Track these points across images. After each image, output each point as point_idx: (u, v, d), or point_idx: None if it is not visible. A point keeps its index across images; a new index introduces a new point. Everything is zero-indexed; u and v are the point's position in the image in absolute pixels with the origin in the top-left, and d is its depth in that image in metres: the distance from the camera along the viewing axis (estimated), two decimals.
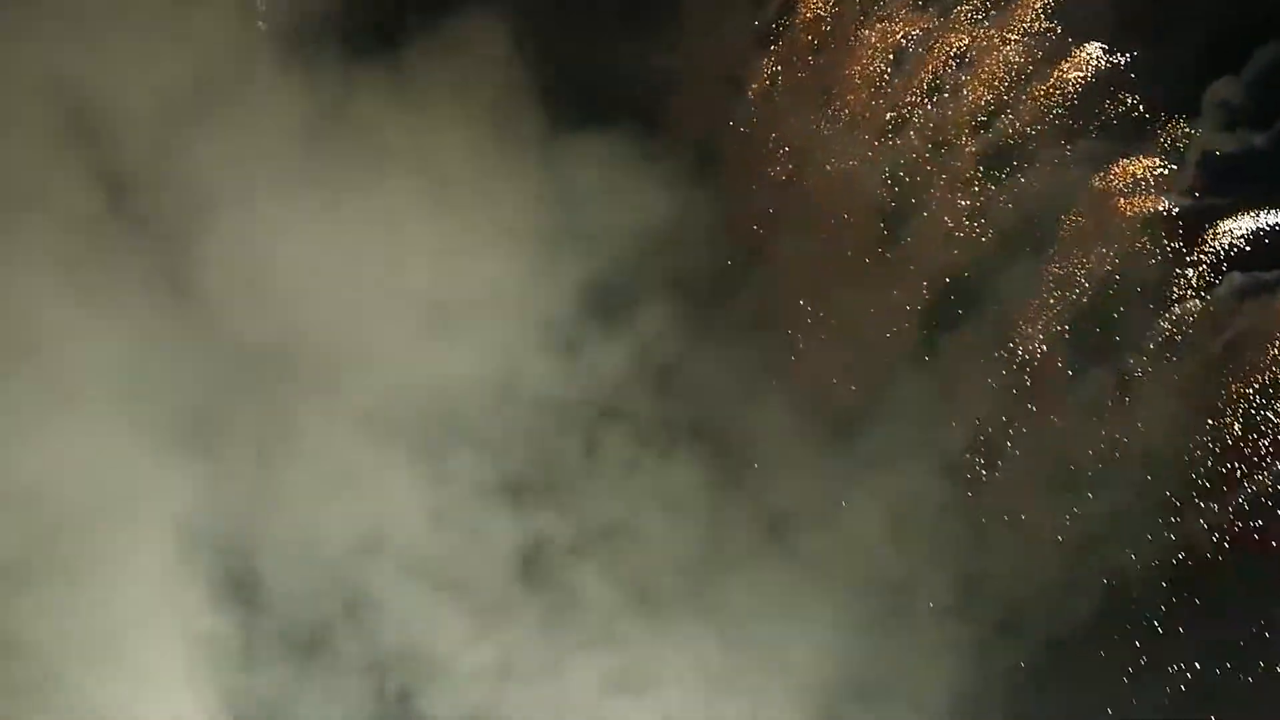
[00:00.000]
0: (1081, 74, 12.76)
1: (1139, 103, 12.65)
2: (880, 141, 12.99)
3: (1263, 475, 11.88)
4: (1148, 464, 12.12)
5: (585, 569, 12.01)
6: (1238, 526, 11.84)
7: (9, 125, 10.70)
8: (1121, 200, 12.56)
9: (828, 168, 12.97)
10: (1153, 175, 12.58)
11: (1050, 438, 12.39)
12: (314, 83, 11.69)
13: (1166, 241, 12.46)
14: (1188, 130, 12.63)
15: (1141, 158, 12.63)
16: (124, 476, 10.64)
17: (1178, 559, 11.93)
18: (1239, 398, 12.03)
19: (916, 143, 12.93)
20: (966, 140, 12.88)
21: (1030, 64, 12.87)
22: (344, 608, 11.52)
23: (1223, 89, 12.83)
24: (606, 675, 11.81)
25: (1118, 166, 12.61)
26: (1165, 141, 12.63)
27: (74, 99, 10.93)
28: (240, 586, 11.19)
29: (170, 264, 11.21)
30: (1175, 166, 12.56)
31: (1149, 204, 12.53)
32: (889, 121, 13.00)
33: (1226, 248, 12.32)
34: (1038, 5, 12.85)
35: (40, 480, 10.29)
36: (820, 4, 13.12)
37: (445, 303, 11.88)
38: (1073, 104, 12.74)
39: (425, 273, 11.87)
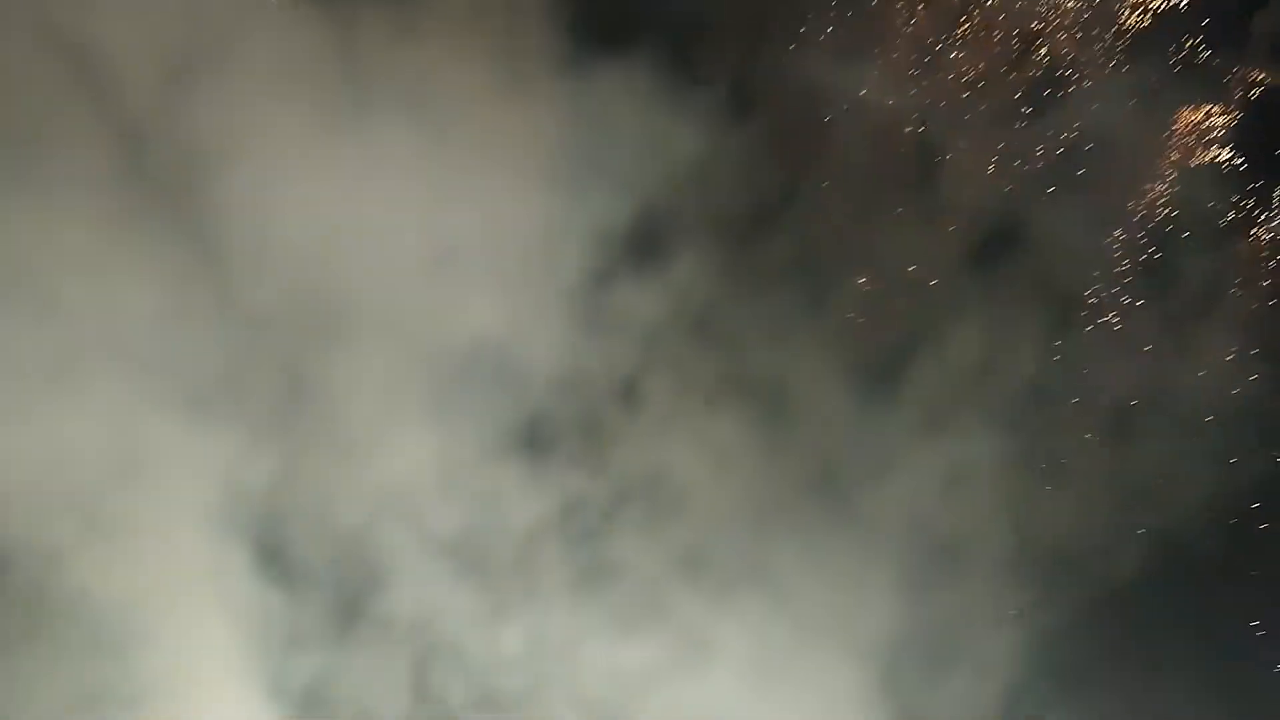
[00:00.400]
0: (1138, 12, 12.27)
1: (1198, 42, 12.17)
2: (920, 80, 12.45)
3: None
4: (1204, 408, 11.85)
5: (624, 534, 11.64)
6: None
7: (11, 79, 10.03)
8: (1177, 143, 12.18)
9: (866, 106, 12.42)
10: (1210, 119, 12.18)
11: (1100, 383, 12.07)
12: (328, 23, 11.04)
13: (1221, 181, 12.11)
14: (1239, 68, 12.21)
15: (1199, 102, 12.21)
16: (150, 442, 10.20)
17: (1236, 507, 11.70)
18: None
19: (961, 82, 12.42)
20: (1012, 81, 12.37)
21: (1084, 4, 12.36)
22: (375, 581, 11.05)
23: (1268, 20, 12.39)
24: (656, 648, 11.46)
25: (1171, 107, 12.21)
26: (1222, 82, 12.19)
27: (78, 51, 10.21)
28: (273, 556, 10.71)
29: (181, 219, 10.61)
30: (1233, 109, 12.16)
31: (1207, 152, 12.15)
32: (929, 60, 12.45)
33: None
34: None
35: (62, 450, 9.84)
36: None
37: (468, 249, 11.30)
38: (1128, 45, 12.26)
39: (448, 218, 11.25)
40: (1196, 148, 12.22)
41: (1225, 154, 12.18)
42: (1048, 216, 12.31)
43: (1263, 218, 12.08)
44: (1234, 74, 12.30)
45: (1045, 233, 12.27)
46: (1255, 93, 12.26)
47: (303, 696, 10.77)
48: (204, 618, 10.24)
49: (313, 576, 10.90)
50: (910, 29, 12.43)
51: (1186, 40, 12.25)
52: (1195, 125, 12.23)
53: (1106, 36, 12.31)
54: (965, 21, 12.40)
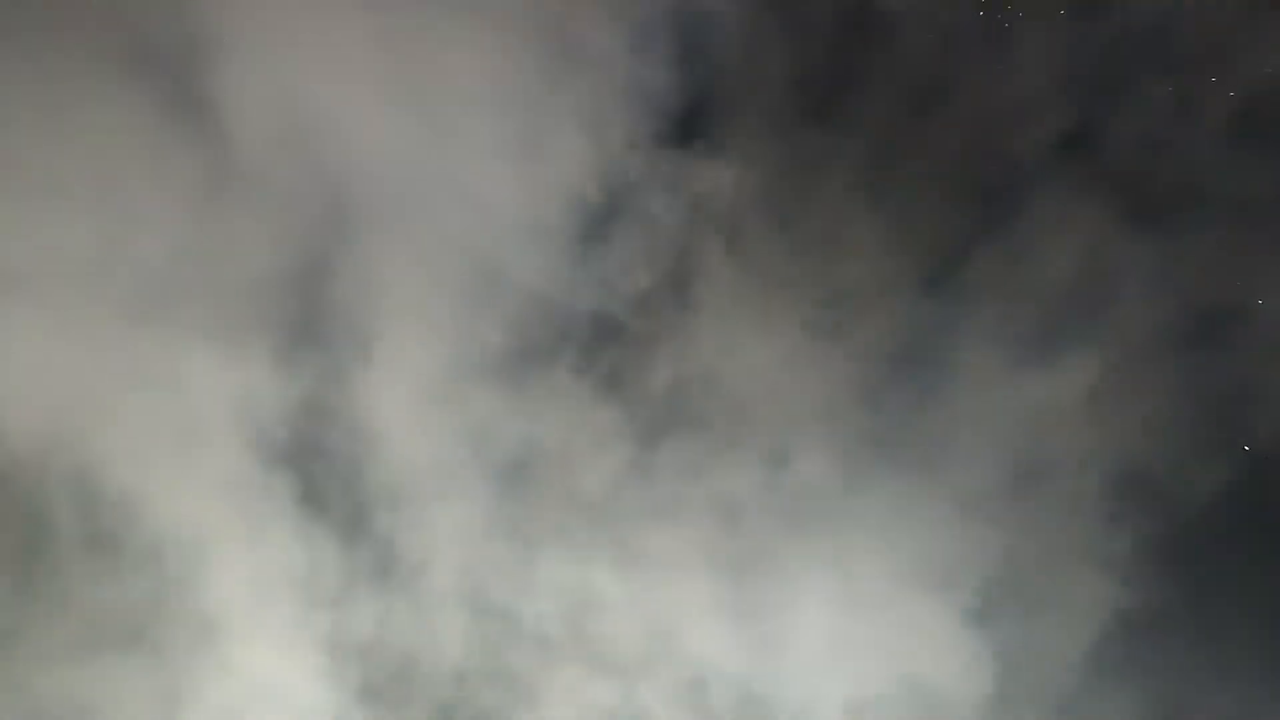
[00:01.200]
0: None
1: None
2: None
3: None
4: None
5: (691, 470, 10.80)
6: None
7: None
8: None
9: None
10: None
11: (1179, 284, 11.16)
12: None
13: None
14: None
15: None
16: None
17: None
18: None
19: None
20: None
21: None
22: (420, 517, 10.22)
23: None
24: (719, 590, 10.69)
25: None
26: None
27: None
28: (310, 495, 9.89)
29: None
30: None
31: None
32: None
33: None
34: None
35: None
36: None
37: (504, 146, 10.41)
38: None
39: (476, 113, 10.34)
40: None
41: None
42: (1129, 114, 11.35)
43: None
44: None
45: (1126, 132, 11.32)
46: None
47: (348, 639, 9.95)
48: (246, 556, 9.39)
49: (355, 519, 10.06)
50: None
51: None
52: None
53: None
54: None
